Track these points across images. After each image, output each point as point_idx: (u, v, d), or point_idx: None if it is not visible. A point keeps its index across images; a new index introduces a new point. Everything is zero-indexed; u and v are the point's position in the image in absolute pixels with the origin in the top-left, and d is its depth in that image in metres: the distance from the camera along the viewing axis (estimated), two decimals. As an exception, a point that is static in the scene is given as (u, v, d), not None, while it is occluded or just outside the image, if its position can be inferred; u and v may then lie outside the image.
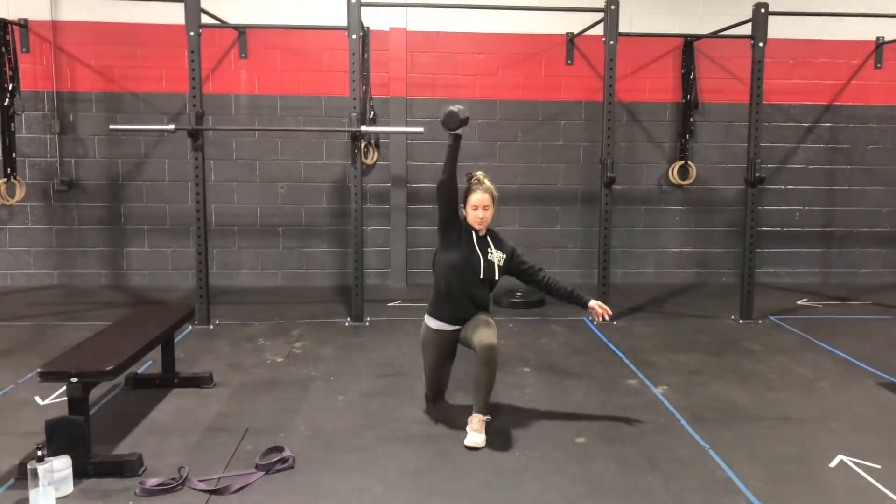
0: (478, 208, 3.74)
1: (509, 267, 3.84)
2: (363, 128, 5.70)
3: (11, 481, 3.14)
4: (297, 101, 7.16)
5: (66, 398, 3.23)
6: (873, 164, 7.68)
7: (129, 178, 7.14)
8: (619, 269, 7.48)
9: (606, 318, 3.80)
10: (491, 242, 3.81)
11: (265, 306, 6.45)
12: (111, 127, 6.02)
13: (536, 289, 3.99)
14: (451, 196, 3.72)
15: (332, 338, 5.47)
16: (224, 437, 3.64)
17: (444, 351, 3.90)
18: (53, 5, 6.84)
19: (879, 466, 3.39)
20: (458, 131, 3.66)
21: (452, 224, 3.77)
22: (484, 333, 3.64)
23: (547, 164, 7.44)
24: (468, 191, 3.79)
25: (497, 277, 3.81)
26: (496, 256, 3.78)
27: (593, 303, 3.83)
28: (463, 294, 3.76)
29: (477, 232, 3.79)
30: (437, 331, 3.85)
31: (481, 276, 3.75)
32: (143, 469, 3.24)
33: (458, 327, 3.83)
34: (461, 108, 3.65)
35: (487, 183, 3.80)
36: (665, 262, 7.70)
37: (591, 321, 3.85)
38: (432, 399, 4.05)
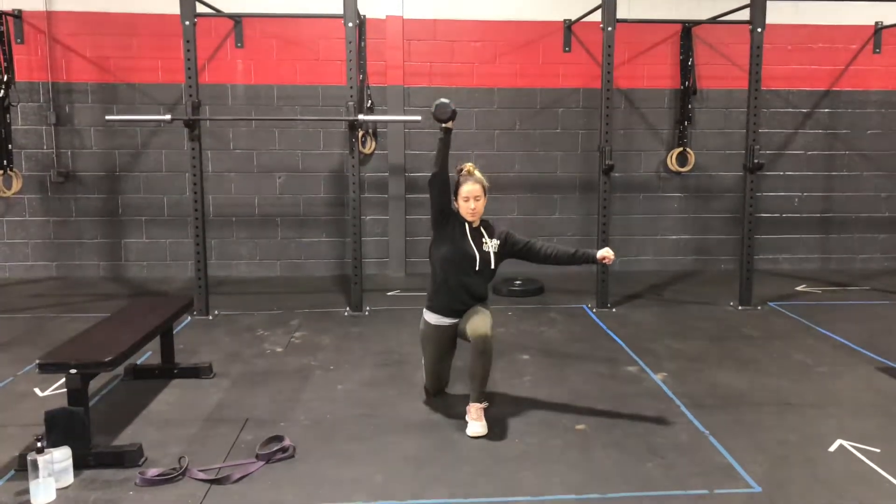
0: (469, 199, 3.72)
1: (504, 251, 3.83)
2: (360, 117, 5.66)
3: (11, 473, 3.15)
4: (293, 90, 7.13)
5: (65, 389, 3.23)
6: (872, 149, 7.66)
7: (127, 170, 7.12)
8: (618, 257, 7.34)
9: (610, 260, 3.84)
10: (485, 233, 3.80)
11: (264, 296, 6.45)
12: (107, 118, 6.01)
13: (540, 263, 3.92)
14: (443, 189, 3.72)
15: (331, 327, 5.47)
16: (224, 427, 3.65)
17: (444, 346, 3.90)
18: (47, -5, 6.80)
19: (879, 450, 3.40)
20: (449, 124, 3.67)
21: (446, 217, 3.76)
22: (478, 323, 3.64)
23: (545, 151, 7.42)
24: (458, 182, 3.78)
25: (493, 267, 3.80)
26: (491, 245, 3.78)
27: (600, 254, 3.83)
28: (459, 287, 3.76)
29: (470, 224, 3.78)
30: (436, 326, 3.84)
31: (477, 269, 3.75)
32: (143, 459, 3.25)
33: (456, 321, 3.83)
34: (450, 101, 3.66)
35: (478, 174, 3.79)
36: (664, 249, 7.69)
37: (602, 262, 3.85)
38: (433, 393, 4.04)
